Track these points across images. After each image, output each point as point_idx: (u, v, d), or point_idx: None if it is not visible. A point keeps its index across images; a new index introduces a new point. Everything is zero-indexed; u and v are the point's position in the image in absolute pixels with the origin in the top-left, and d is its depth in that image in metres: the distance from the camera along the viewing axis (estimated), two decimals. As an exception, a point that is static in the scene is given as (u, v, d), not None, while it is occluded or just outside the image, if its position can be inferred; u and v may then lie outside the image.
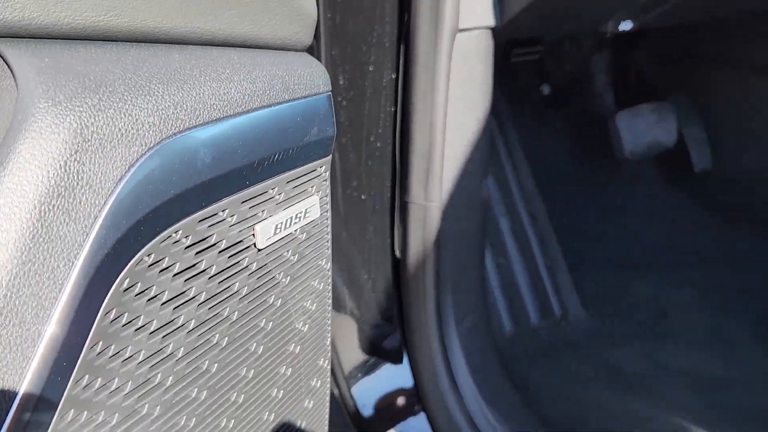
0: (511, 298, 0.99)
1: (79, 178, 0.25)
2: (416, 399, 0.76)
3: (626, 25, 0.76)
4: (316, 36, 0.65)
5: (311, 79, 0.38)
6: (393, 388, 0.76)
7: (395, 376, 0.76)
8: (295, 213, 0.37)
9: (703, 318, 1.05)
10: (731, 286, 1.12)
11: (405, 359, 0.76)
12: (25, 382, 0.24)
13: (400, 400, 0.76)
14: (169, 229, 0.29)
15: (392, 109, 0.67)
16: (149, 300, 0.29)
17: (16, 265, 0.24)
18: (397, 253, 0.74)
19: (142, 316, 0.29)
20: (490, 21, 0.65)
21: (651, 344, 0.99)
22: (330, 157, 0.41)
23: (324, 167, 0.40)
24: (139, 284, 0.28)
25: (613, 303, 1.07)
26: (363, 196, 0.71)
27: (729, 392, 0.91)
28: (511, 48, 0.79)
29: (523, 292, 1.01)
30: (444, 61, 0.63)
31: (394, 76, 0.66)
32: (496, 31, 0.66)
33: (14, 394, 0.24)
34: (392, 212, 0.72)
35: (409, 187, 0.69)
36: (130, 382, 0.28)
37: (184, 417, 0.32)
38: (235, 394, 0.35)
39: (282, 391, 0.40)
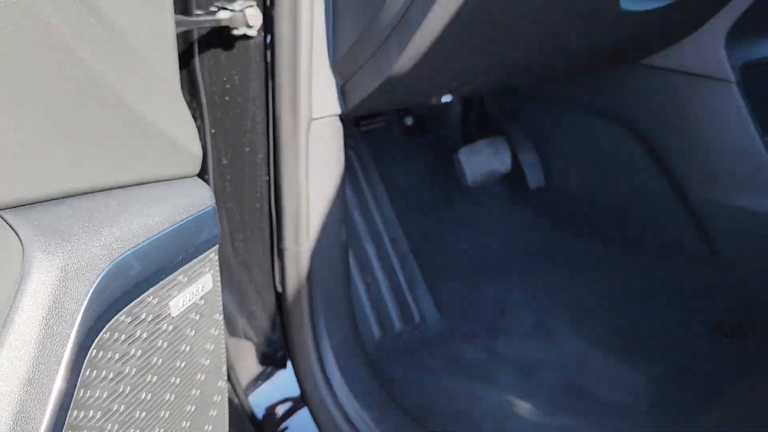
0: (379, 310, 1.21)
1: (66, 296, 0.43)
2: (300, 400, 0.96)
3: (447, 98, 0.99)
4: (203, 129, 0.83)
5: (201, 199, 0.57)
6: (281, 393, 0.96)
7: (282, 384, 0.96)
8: (196, 288, 0.56)
9: (531, 313, 1.32)
10: (554, 285, 1.40)
11: (290, 370, 0.96)
12: (45, 417, 0.42)
13: (288, 402, 0.96)
14: (117, 315, 0.48)
15: (266, 179, 0.87)
16: (107, 360, 0.47)
17: (36, 351, 0.41)
18: (279, 288, 0.93)
19: (104, 371, 0.47)
20: (337, 110, 0.86)
21: (490, 338, 1.24)
22: (217, 245, 0.60)
23: (213, 253, 0.59)
24: (102, 352, 0.46)
25: (462, 306, 1.32)
26: (249, 246, 0.90)
27: (546, 371, 1.17)
28: (358, 121, 1.00)
29: (388, 304, 1.23)
30: (303, 143, 0.84)
31: (265, 155, 0.85)
32: (342, 117, 0.87)
33: (40, 424, 0.41)
34: (272, 256, 0.91)
35: (283, 237, 0.89)
36: (99, 412, 0.47)
37: (132, 429, 0.50)
38: (164, 411, 0.54)
39: (194, 407, 0.59)
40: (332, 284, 0.95)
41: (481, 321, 1.28)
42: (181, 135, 0.56)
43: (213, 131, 0.83)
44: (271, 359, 0.95)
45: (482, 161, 1.39)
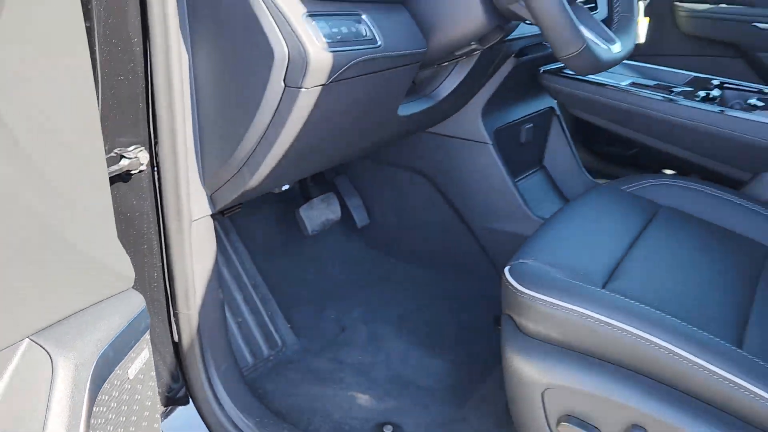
0: (250, 342, 1.57)
1: (79, 379, 0.76)
2: (199, 420, 1.30)
3: (285, 187, 1.38)
4: (112, 238, 1.15)
5: (138, 304, 0.90)
6: (185, 419, 1.30)
7: (186, 413, 1.29)
8: (140, 359, 0.90)
9: (365, 326, 1.73)
10: (383, 301, 1.84)
11: (190, 402, 1.30)
12: (79, 449, 0.75)
13: (190, 426, 1.30)
14: (104, 384, 0.81)
15: (160, 265, 1.20)
16: (102, 411, 0.81)
17: (69, 412, 0.74)
18: (176, 338, 1.27)
19: (101, 419, 0.80)
20: (209, 212, 1.21)
21: (335, 351, 1.64)
22: (149, 330, 0.94)
23: (147, 334, 0.93)
24: (99, 408, 0.80)
25: (312, 328, 1.71)
26: (152, 315, 1.23)
27: (378, 370, 1.59)
28: (223, 212, 1.35)
29: (257, 336, 1.59)
30: (187, 238, 1.18)
31: (158, 249, 1.19)
32: (214, 215, 1.23)
33: (77, 453, 0.74)
34: (169, 319, 1.25)
35: (177, 304, 1.23)
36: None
37: (114, 451, 0.84)
38: (130, 438, 0.88)
39: (142, 433, 0.93)
40: (215, 331, 1.30)
41: (327, 338, 1.68)
42: (122, 265, 0.90)
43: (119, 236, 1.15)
44: (174, 400, 1.29)
45: (318, 215, 1.79)
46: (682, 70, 1.83)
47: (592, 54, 1.09)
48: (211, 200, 1.20)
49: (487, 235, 1.84)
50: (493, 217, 1.81)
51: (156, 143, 1.12)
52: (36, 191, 0.74)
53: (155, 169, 1.14)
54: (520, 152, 1.91)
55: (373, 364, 1.61)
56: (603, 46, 1.16)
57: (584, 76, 1.67)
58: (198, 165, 1.15)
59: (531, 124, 1.91)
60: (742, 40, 2.38)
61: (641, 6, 2.42)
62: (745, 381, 0.93)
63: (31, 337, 0.76)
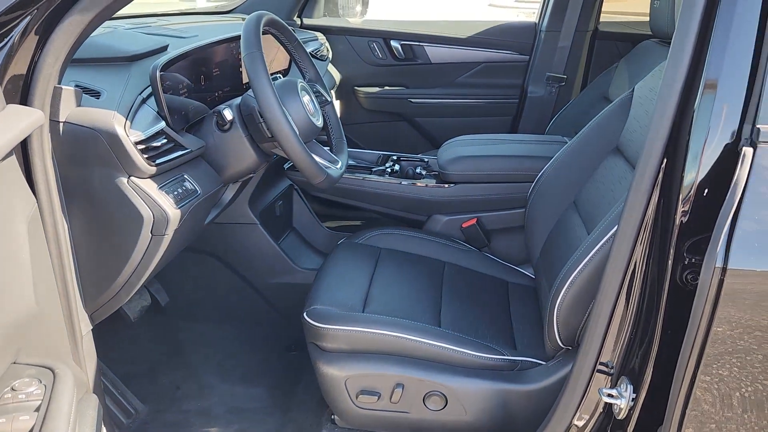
0: (113, 417, 1.99)
1: None
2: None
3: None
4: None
5: (96, 400, 1.37)
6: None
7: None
8: (103, 435, 1.37)
9: (194, 379, 2.26)
10: (200, 357, 2.37)
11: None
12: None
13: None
14: None
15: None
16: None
17: None
18: None
19: None
20: (91, 327, 1.67)
21: (179, 404, 2.13)
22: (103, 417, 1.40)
23: (102, 422, 1.40)
24: None
25: (155, 393, 2.17)
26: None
27: (217, 408, 2.14)
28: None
29: (115, 411, 2.01)
30: (80, 348, 1.62)
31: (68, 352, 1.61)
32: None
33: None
34: (72, 412, 1.67)
35: (77, 400, 1.66)
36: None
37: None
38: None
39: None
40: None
41: (169, 397, 2.16)
42: (84, 376, 1.35)
43: (33, 363, 1.55)
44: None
45: (135, 305, 2.25)
46: (371, 149, 2.71)
47: (330, 177, 1.82)
48: (92, 318, 1.66)
49: (268, 289, 2.49)
50: (269, 274, 2.47)
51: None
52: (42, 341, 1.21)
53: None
54: (277, 222, 2.59)
55: (210, 405, 2.15)
56: (333, 167, 1.91)
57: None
58: (81, 297, 1.61)
59: (281, 201, 2.61)
60: (403, 110, 3.41)
61: (333, 93, 3.30)
62: (444, 343, 1.75)
63: None
